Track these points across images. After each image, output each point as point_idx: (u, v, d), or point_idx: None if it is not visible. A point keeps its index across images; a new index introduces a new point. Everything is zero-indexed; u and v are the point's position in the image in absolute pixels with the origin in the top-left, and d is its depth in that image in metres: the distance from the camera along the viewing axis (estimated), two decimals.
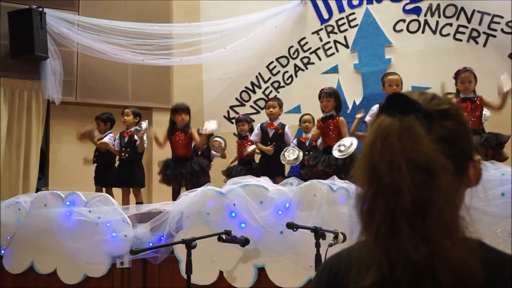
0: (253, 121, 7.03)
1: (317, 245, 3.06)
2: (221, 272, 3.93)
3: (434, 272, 0.83)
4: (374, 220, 0.87)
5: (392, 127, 0.88)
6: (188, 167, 5.67)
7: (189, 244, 3.14)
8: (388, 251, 0.85)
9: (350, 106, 7.34)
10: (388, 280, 0.85)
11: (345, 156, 5.05)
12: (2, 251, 4.45)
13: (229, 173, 5.98)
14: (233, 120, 6.67)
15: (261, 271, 3.86)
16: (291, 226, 3.24)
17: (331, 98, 5.45)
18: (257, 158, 6.14)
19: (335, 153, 5.11)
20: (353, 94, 7.42)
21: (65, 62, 7.47)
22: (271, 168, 5.73)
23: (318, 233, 3.10)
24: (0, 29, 7.19)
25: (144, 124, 5.85)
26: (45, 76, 7.34)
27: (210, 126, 5.70)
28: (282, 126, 5.84)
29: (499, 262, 0.91)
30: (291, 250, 3.71)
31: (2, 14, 7.18)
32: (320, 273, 1.06)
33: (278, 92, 7.85)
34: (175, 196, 5.37)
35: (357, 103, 7.28)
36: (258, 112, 7.65)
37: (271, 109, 5.90)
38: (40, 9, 7.24)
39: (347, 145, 5.16)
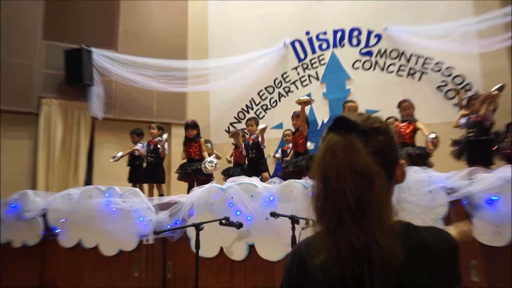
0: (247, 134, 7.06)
1: (293, 229, 3.12)
2: (221, 248, 3.93)
3: (369, 254, 0.85)
4: (326, 215, 0.90)
5: (338, 143, 0.90)
6: (194, 166, 5.66)
7: (198, 227, 3.22)
8: (336, 239, 0.88)
9: (319, 124, 7.37)
10: (335, 260, 0.87)
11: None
12: (58, 230, 4.45)
13: (227, 174, 6.00)
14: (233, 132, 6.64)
15: (251, 247, 3.85)
16: (274, 214, 3.29)
17: (299, 118, 5.46)
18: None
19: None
20: (322, 115, 7.43)
21: (106, 88, 7.48)
22: (258, 167, 5.71)
23: (294, 220, 3.15)
24: (58, 63, 7.21)
25: (165, 136, 5.90)
26: (91, 98, 7.33)
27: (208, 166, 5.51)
28: (256, 137, 5.71)
29: (418, 241, 0.92)
30: (274, 232, 3.70)
31: (60, 52, 7.21)
32: (291, 257, 1.07)
33: (266, 113, 7.90)
34: (188, 190, 5.37)
35: (325, 122, 7.32)
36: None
37: (249, 127, 5.85)
38: (88, 48, 7.27)
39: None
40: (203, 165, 5.47)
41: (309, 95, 7.54)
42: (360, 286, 0.86)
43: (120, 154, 5.94)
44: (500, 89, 4.69)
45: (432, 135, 4.89)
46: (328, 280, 0.89)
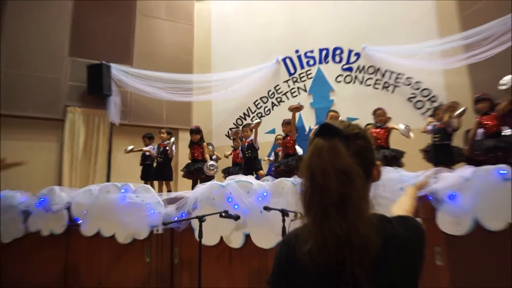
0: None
1: (283, 220, 3.11)
2: (221, 237, 3.92)
3: (351, 242, 0.86)
4: (312, 208, 0.91)
5: (323, 146, 0.92)
6: (197, 166, 5.67)
7: (201, 219, 3.21)
8: (321, 229, 0.89)
9: (307, 130, 7.39)
10: (321, 247, 0.89)
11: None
12: (80, 221, 4.43)
13: (227, 172, 6.00)
14: (232, 137, 6.66)
15: (247, 237, 3.84)
16: (267, 208, 3.30)
17: (288, 125, 5.45)
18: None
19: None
20: (309, 122, 7.45)
21: (122, 98, 7.49)
22: (254, 166, 5.73)
23: (284, 213, 3.13)
24: (82, 76, 7.21)
25: (173, 139, 5.92)
26: (109, 107, 7.34)
27: (209, 170, 5.53)
28: (251, 139, 5.74)
29: (391, 231, 0.94)
30: (267, 223, 3.68)
31: (83, 67, 7.22)
32: (281, 245, 1.07)
33: (261, 120, 7.87)
34: (193, 187, 5.36)
35: (311, 128, 7.33)
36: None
37: (245, 133, 5.86)
38: (108, 63, 7.28)
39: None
40: (205, 168, 5.48)
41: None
42: (342, 269, 0.88)
43: (130, 147, 5.98)
44: (462, 113, 4.72)
45: (402, 126, 4.97)
46: (314, 265, 0.90)
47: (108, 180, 7.06)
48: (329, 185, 0.88)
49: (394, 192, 3.67)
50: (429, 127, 5.02)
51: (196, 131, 5.86)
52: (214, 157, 6.37)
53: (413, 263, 0.95)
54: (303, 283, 0.97)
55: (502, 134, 4.37)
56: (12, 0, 6.79)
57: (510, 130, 4.44)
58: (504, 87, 4.44)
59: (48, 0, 7.15)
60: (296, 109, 5.27)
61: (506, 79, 4.43)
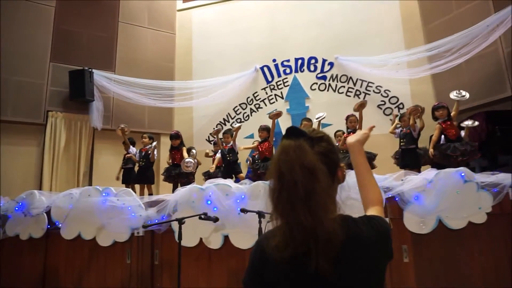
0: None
1: (260, 222, 3.13)
2: (200, 239, 3.88)
3: (315, 233, 0.87)
4: (281, 203, 0.92)
5: (290, 145, 0.94)
6: (177, 170, 5.61)
7: (180, 221, 3.16)
8: (288, 221, 0.90)
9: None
10: (288, 239, 0.90)
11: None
12: (60, 225, 4.31)
13: (208, 175, 5.95)
14: (212, 142, 6.61)
15: (226, 238, 3.82)
16: (244, 210, 3.28)
17: (264, 131, 5.51)
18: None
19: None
20: (285, 128, 7.49)
21: (104, 103, 7.32)
22: (234, 169, 5.73)
23: (260, 215, 3.16)
24: (64, 82, 7.03)
25: (154, 144, 5.85)
26: (91, 112, 7.16)
27: (185, 167, 5.52)
28: (231, 145, 5.76)
29: (355, 231, 0.94)
30: (244, 224, 3.68)
31: (65, 72, 7.04)
32: (255, 246, 1.07)
33: (241, 124, 7.85)
34: (173, 190, 5.30)
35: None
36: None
37: (226, 139, 5.86)
38: (90, 69, 7.11)
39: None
40: (182, 164, 5.44)
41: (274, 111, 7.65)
42: (308, 261, 0.88)
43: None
44: (422, 112, 4.91)
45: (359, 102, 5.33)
46: (282, 257, 0.91)
47: (90, 184, 6.87)
48: (295, 180, 0.89)
49: None
50: (397, 131, 5.14)
51: (175, 136, 5.81)
52: (192, 157, 6.31)
53: (376, 261, 0.96)
54: (273, 277, 0.97)
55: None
56: None
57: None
58: (462, 99, 4.70)
59: (30, 5, 6.93)
60: (276, 115, 5.35)
61: (465, 92, 4.73)
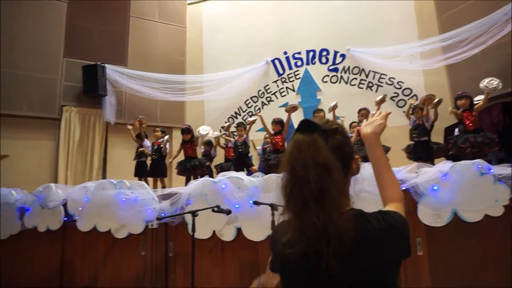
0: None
1: (272, 214, 3.10)
2: (213, 231, 3.91)
3: (327, 232, 0.85)
4: (293, 200, 0.90)
5: (303, 141, 0.91)
6: (192, 163, 5.64)
7: (194, 214, 3.17)
8: (300, 219, 0.88)
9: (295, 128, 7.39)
10: (299, 237, 0.88)
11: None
12: (76, 217, 4.38)
13: (220, 168, 5.98)
14: (224, 135, 6.62)
15: (239, 230, 3.84)
16: (257, 203, 3.26)
17: (277, 124, 5.50)
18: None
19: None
20: (297, 121, 7.36)
21: (117, 97, 7.38)
22: (246, 162, 5.76)
23: (273, 207, 3.12)
24: (77, 77, 7.11)
25: (166, 137, 5.88)
26: (105, 106, 7.24)
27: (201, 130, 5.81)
28: (244, 138, 5.81)
29: (364, 225, 0.91)
30: (257, 217, 3.69)
31: (78, 67, 7.12)
32: (271, 238, 1.08)
33: (256, 118, 7.84)
34: (186, 183, 5.34)
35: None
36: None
37: (239, 132, 5.90)
38: (102, 64, 7.17)
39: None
40: (197, 132, 5.61)
41: (286, 104, 7.60)
42: (319, 259, 0.87)
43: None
44: (438, 103, 4.77)
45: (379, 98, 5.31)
46: (292, 255, 0.89)
47: (104, 177, 6.96)
48: (308, 177, 0.87)
49: (376, 186, 3.71)
50: (411, 121, 5.06)
51: (187, 131, 5.83)
52: (212, 151, 6.34)
53: (389, 258, 0.92)
54: (284, 272, 0.98)
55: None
56: (8, 0, 6.63)
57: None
58: (489, 90, 4.42)
59: (43, 2, 7.00)
60: (292, 109, 5.37)
61: (496, 83, 4.42)
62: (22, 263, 4.52)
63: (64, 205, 4.47)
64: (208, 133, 5.99)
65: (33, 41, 6.79)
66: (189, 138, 5.79)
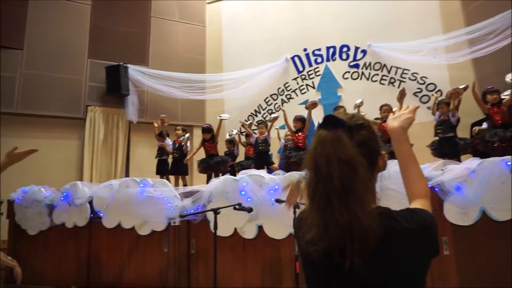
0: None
1: (294, 212, 3.02)
2: (235, 228, 3.91)
3: (352, 231, 0.83)
4: (316, 197, 0.88)
5: (327, 137, 0.89)
6: (214, 160, 5.68)
7: (216, 211, 3.20)
8: (324, 217, 0.86)
9: (316, 125, 7.33)
10: (323, 235, 0.86)
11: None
12: (102, 214, 4.48)
13: (241, 165, 5.99)
14: (244, 134, 6.64)
15: (260, 228, 3.83)
16: (278, 201, 3.26)
17: (299, 121, 5.47)
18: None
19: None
20: (317, 118, 7.25)
21: (139, 97, 7.54)
22: (266, 160, 5.77)
23: (295, 205, 3.15)
24: (101, 77, 7.27)
25: (187, 135, 5.95)
26: (127, 106, 7.41)
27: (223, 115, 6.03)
28: (265, 135, 5.86)
29: (391, 224, 0.88)
30: (278, 215, 3.64)
31: (102, 68, 7.28)
32: (295, 225, 1.09)
33: (278, 115, 7.84)
34: (207, 180, 5.37)
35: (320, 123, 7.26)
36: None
37: (260, 129, 5.96)
38: (125, 64, 7.32)
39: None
40: (218, 117, 5.88)
41: (306, 101, 7.55)
42: (342, 257, 0.85)
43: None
44: (465, 88, 4.63)
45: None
46: (316, 253, 0.88)
47: (127, 175, 7.12)
48: (332, 174, 0.85)
49: (401, 184, 3.62)
50: (436, 116, 4.92)
51: (207, 130, 5.88)
52: (234, 150, 6.41)
53: (416, 257, 0.89)
54: (308, 270, 0.97)
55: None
56: (35, 2, 6.85)
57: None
58: None
59: (67, 4, 7.21)
60: (313, 105, 5.33)
61: None
62: (51, 258, 4.68)
63: (90, 202, 4.58)
64: (230, 117, 6.19)
65: (58, 42, 7.00)
66: (210, 137, 5.83)
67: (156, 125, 6.10)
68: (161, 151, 6.07)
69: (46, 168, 6.47)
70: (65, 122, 7.00)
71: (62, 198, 4.70)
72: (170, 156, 6.01)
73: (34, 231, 4.80)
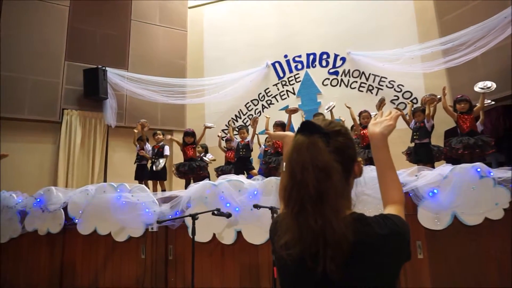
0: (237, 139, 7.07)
1: (273, 217, 3.08)
2: (214, 234, 3.90)
3: (325, 236, 0.84)
4: (291, 202, 0.89)
5: (303, 143, 0.90)
6: (191, 165, 5.63)
7: (194, 217, 3.19)
8: (298, 222, 0.87)
9: (295, 131, 7.39)
10: (297, 240, 0.87)
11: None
12: (77, 220, 4.39)
13: (221, 171, 5.98)
14: (224, 138, 6.61)
15: (239, 233, 3.83)
16: (257, 206, 3.29)
17: (279, 127, 5.52)
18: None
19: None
20: (297, 124, 7.36)
21: (118, 101, 7.42)
22: (247, 165, 5.78)
23: (273, 210, 3.14)
24: (78, 80, 7.14)
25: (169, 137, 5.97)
26: (105, 109, 7.28)
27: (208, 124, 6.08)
28: (247, 140, 5.87)
29: (365, 230, 0.89)
30: (257, 220, 3.68)
31: (79, 71, 7.15)
32: (271, 229, 1.09)
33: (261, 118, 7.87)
34: (186, 186, 5.34)
35: None
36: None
37: (241, 134, 5.96)
38: (103, 68, 7.21)
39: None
40: (204, 125, 6.02)
41: (287, 107, 7.59)
42: (315, 262, 0.86)
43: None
44: (440, 99, 4.79)
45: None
46: (290, 257, 0.89)
47: (104, 180, 6.98)
48: (307, 180, 0.86)
49: (377, 189, 3.70)
50: (412, 123, 5.06)
51: (191, 134, 5.85)
52: (210, 156, 6.35)
53: (388, 262, 0.90)
54: (283, 274, 0.98)
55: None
56: (10, 1, 6.68)
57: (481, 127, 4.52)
58: (484, 91, 4.47)
59: (45, 5, 7.05)
60: (292, 111, 5.38)
61: (490, 84, 4.46)
62: (23, 266, 4.53)
63: (65, 208, 4.48)
64: (214, 126, 6.27)
65: (34, 44, 6.84)
66: (191, 142, 5.80)
67: (136, 130, 6.02)
68: (140, 156, 6.00)
69: (19, 173, 6.28)
70: (40, 126, 6.82)
71: (35, 204, 4.57)
72: (149, 161, 5.93)
73: (4, 238, 4.64)
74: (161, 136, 5.97)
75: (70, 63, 7.16)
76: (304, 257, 0.87)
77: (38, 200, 4.57)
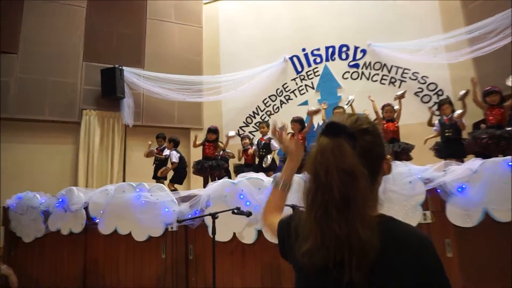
0: (254, 136, 7.06)
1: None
2: (234, 233, 3.90)
3: (350, 243, 0.82)
4: (314, 206, 0.87)
5: (328, 145, 0.88)
6: (210, 162, 5.66)
7: (214, 216, 3.18)
8: (322, 228, 0.85)
9: (315, 126, 7.29)
10: (320, 247, 0.85)
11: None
12: (98, 220, 4.48)
13: (239, 170, 5.97)
14: (241, 136, 6.62)
15: (259, 232, 3.81)
16: None
17: (296, 123, 5.49)
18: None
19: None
20: (316, 119, 7.25)
21: (135, 100, 7.52)
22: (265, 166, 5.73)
23: (294, 208, 3.10)
24: (96, 80, 7.28)
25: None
26: (123, 109, 7.39)
27: (230, 132, 5.98)
28: (269, 138, 5.75)
29: (393, 232, 0.88)
30: None
31: (97, 71, 7.29)
32: (280, 223, 1.13)
33: (270, 118, 7.81)
34: (205, 184, 5.34)
35: (320, 124, 7.21)
36: (257, 130, 7.58)
37: (262, 129, 5.90)
38: (120, 67, 7.32)
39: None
40: (227, 135, 5.93)
41: (306, 102, 7.56)
42: (340, 271, 0.84)
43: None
44: (466, 94, 4.65)
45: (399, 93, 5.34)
46: (312, 265, 0.86)
47: (123, 179, 7.11)
48: (331, 184, 0.84)
49: (403, 185, 3.63)
50: (436, 127, 4.93)
51: (214, 130, 5.87)
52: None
53: (416, 272, 0.85)
54: (303, 283, 0.96)
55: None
56: (31, 4, 6.86)
57: None
58: None
59: (63, 7, 7.21)
60: (315, 112, 5.33)
61: None
62: (47, 266, 4.67)
63: (86, 208, 4.58)
64: (235, 134, 6.16)
65: (54, 46, 7.01)
66: (214, 139, 5.81)
67: (149, 142, 6.03)
68: (158, 159, 6.04)
69: (41, 173, 6.47)
70: (61, 127, 7.00)
71: (57, 204, 4.70)
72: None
73: (29, 238, 4.80)
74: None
75: (87, 63, 7.31)
76: (328, 265, 0.85)
77: (60, 200, 4.70)
